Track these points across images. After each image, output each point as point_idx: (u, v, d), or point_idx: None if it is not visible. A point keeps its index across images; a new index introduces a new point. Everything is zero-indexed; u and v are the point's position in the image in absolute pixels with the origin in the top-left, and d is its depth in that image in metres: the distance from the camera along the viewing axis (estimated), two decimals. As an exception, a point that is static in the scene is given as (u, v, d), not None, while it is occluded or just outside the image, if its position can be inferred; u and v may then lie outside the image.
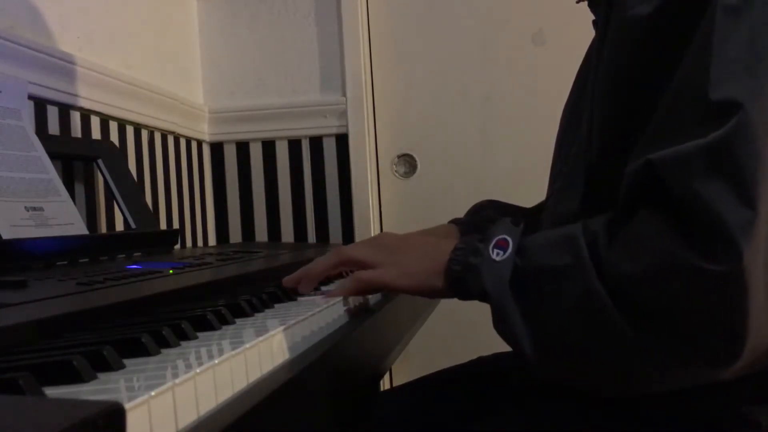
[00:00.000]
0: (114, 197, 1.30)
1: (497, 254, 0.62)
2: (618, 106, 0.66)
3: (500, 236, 0.63)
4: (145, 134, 1.63)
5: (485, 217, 1.00)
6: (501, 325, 0.61)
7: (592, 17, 0.81)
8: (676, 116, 0.58)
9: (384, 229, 1.98)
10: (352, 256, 0.73)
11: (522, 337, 0.60)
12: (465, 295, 0.66)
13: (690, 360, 0.55)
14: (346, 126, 1.95)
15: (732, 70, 0.54)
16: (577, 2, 0.83)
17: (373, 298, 0.84)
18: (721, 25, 0.56)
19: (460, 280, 0.65)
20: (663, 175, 0.55)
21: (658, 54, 0.61)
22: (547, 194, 0.87)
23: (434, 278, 0.67)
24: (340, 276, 0.90)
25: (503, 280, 0.61)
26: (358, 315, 0.74)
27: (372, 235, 1.91)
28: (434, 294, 0.69)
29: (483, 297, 0.63)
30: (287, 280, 0.76)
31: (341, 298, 0.71)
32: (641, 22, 0.63)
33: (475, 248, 0.64)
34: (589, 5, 0.80)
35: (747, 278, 0.51)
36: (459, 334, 1.86)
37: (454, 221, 1.04)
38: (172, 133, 1.78)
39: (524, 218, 0.80)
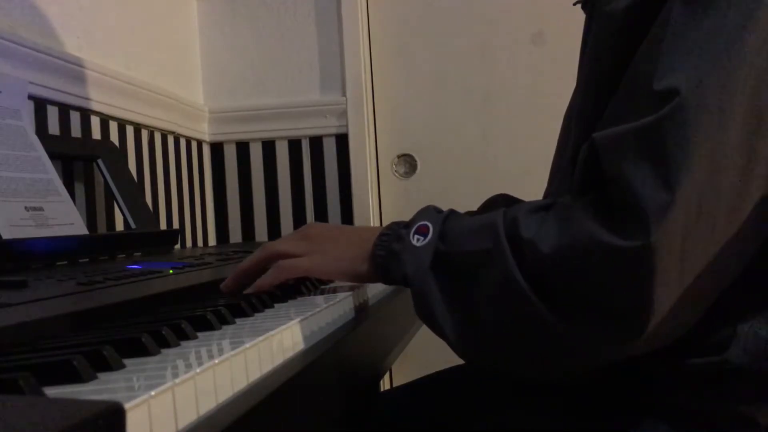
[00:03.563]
0: (114, 197, 1.30)
1: (417, 240, 0.64)
2: (595, 99, 0.67)
3: (421, 222, 0.65)
4: (145, 134, 1.63)
5: None
6: (422, 310, 0.63)
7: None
8: (623, 102, 0.59)
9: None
10: (278, 250, 0.74)
11: (444, 322, 0.61)
12: (389, 280, 0.68)
13: (599, 336, 0.56)
14: (346, 126, 1.95)
15: (679, 63, 0.55)
16: (574, 4, 0.84)
17: (373, 299, 0.84)
18: (677, 19, 0.56)
19: (384, 266, 0.67)
20: (599, 154, 0.57)
21: (632, 48, 0.62)
22: (544, 194, 0.87)
23: (359, 263, 0.69)
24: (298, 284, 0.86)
25: (423, 265, 0.62)
26: (357, 315, 0.74)
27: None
28: (359, 278, 0.71)
29: (404, 281, 0.64)
30: (225, 286, 0.76)
31: (342, 297, 0.71)
32: (617, 17, 0.63)
33: (398, 235, 0.66)
34: (582, 7, 0.80)
35: (654, 257, 0.52)
36: (459, 334, 1.86)
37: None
38: (172, 133, 1.78)
39: None
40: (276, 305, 0.69)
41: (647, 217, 0.52)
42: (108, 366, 0.41)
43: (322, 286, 0.83)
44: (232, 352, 0.45)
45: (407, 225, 0.66)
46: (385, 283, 0.69)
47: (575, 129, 0.70)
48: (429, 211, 0.67)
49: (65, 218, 1.05)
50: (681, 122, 0.53)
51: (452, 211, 0.67)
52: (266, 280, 0.73)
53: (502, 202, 1.04)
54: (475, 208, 1.09)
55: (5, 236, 0.92)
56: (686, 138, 0.53)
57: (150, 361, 0.44)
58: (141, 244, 1.18)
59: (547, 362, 0.61)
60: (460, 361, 1.00)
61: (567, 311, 0.56)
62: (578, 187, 0.60)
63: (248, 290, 0.73)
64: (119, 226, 1.42)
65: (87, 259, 1.04)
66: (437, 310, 0.62)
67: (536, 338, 0.58)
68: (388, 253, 0.66)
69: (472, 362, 0.65)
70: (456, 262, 0.62)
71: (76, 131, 1.36)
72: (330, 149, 1.97)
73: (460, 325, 0.61)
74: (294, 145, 1.99)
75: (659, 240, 0.52)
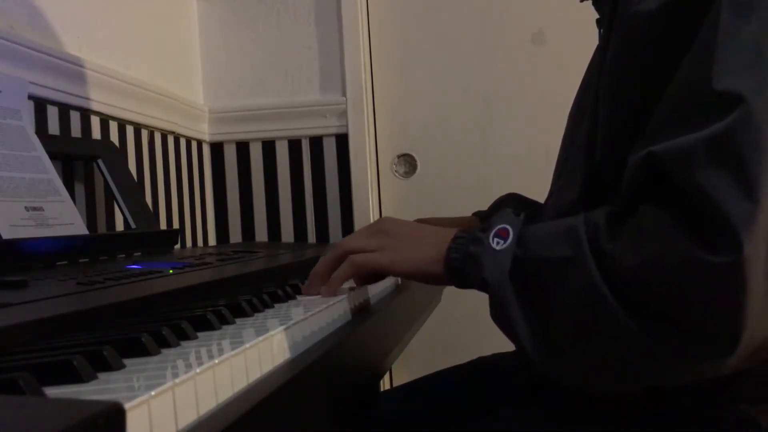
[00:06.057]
0: (114, 197, 1.30)
1: (497, 243, 0.62)
2: (623, 99, 0.66)
3: (501, 225, 0.63)
4: (145, 134, 1.63)
5: None
6: (499, 315, 0.61)
7: (593, 17, 0.81)
8: (679, 108, 0.58)
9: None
10: (351, 248, 0.73)
11: (520, 330, 0.60)
12: (464, 284, 0.66)
13: (688, 352, 0.55)
14: (346, 126, 1.95)
15: (735, 64, 0.54)
16: (581, 1, 0.83)
17: (373, 298, 0.84)
18: (727, 21, 0.56)
19: (460, 269, 0.65)
20: (665, 167, 0.55)
21: (663, 49, 0.61)
22: (550, 190, 0.87)
23: (433, 265, 0.67)
24: None
25: (503, 270, 0.60)
26: (358, 315, 0.74)
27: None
28: (432, 280, 0.69)
29: (482, 286, 0.62)
30: (305, 290, 0.76)
31: (342, 297, 0.71)
32: (647, 18, 0.63)
33: (475, 237, 0.64)
34: (594, 3, 0.80)
35: (747, 270, 0.51)
36: (459, 334, 1.86)
37: (477, 213, 1.05)
38: (172, 133, 1.78)
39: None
40: (276, 305, 0.69)
41: (736, 230, 0.50)
42: (108, 366, 0.41)
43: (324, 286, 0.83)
44: (232, 352, 0.45)
45: (485, 228, 0.64)
46: (457, 286, 0.67)
47: (603, 130, 0.68)
48: (508, 214, 0.65)
49: (65, 218, 1.05)
50: (752, 128, 0.52)
51: (528, 215, 0.65)
52: (339, 276, 0.72)
53: (513, 202, 1.04)
54: (475, 208, 1.10)
55: (5, 236, 0.92)
56: (759, 143, 0.52)
57: (150, 361, 0.44)
58: (141, 244, 1.18)
59: (626, 375, 0.59)
60: (460, 361, 1.00)
61: (652, 325, 0.54)
62: (629, 197, 0.59)
63: (323, 288, 0.73)
64: (119, 226, 1.42)
65: (87, 259, 1.04)
66: (514, 317, 0.60)
67: (617, 350, 0.56)
68: (464, 256, 0.64)
69: (545, 373, 0.62)
70: (534, 268, 0.60)
71: (76, 131, 1.36)
72: (330, 149, 1.97)
73: (536, 333, 0.59)
74: (294, 145, 1.99)
75: (750, 253, 0.50)
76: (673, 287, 0.53)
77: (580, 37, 0.91)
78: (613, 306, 0.55)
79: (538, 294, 0.59)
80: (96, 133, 1.43)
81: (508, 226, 0.62)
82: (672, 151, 0.55)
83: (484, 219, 1.04)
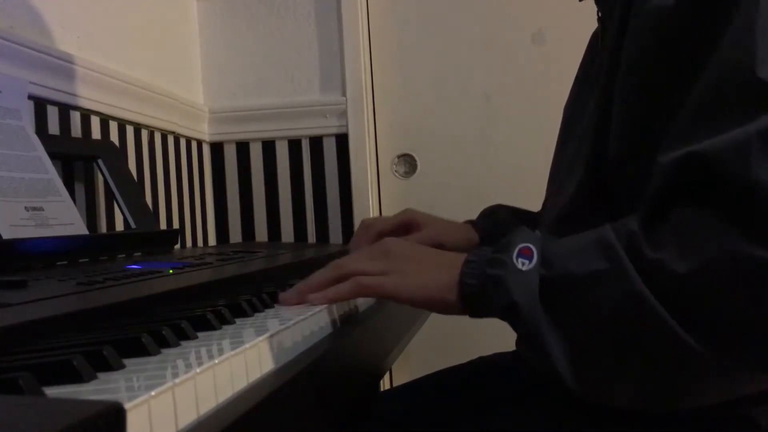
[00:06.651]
0: (114, 197, 1.30)
1: (522, 264, 0.57)
2: (644, 98, 0.64)
3: (523, 244, 0.58)
4: (145, 134, 1.63)
5: (500, 220, 0.99)
6: (531, 342, 0.57)
7: (593, 16, 0.81)
8: (717, 102, 0.54)
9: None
10: (354, 269, 0.67)
11: (556, 354, 0.55)
12: (483, 311, 0.61)
13: (753, 363, 0.51)
14: (346, 126, 1.95)
15: None
16: (580, 0, 0.83)
17: (369, 300, 0.83)
18: (765, 10, 0.53)
19: (479, 294, 0.60)
20: (714, 166, 0.51)
21: (685, 44, 0.59)
22: (547, 192, 0.87)
23: (446, 292, 0.62)
24: None
25: (533, 291, 0.56)
26: (358, 314, 0.74)
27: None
28: (445, 309, 0.63)
29: (509, 311, 0.57)
30: (284, 298, 0.68)
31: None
32: (666, 12, 0.61)
33: (494, 259, 0.59)
34: (596, 1, 0.79)
35: None
36: (459, 334, 1.86)
37: (469, 222, 1.02)
38: (172, 133, 1.78)
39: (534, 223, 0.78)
40: (276, 305, 0.69)
41: None
42: (108, 366, 0.41)
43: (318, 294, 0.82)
44: (232, 352, 0.45)
45: (503, 248, 0.59)
46: (472, 315, 0.62)
47: (619, 132, 0.65)
48: (527, 232, 0.60)
49: (65, 218, 1.05)
50: None
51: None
52: (340, 293, 0.66)
53: (502, 211, 1.03)
54: (474, 208, 1.10)
55: (5, 236, 0.92)
56: None
57: (150, 361, 0.44)
58: (141, 244, 1.18)
59: (680, 394, 0.55)
60: (460, 361, 1.00)
61: (711, 335, 0.50)
62: (663, 200, 0.55)
63: (319, 299, 0.66)
64: (119, 226, 1.42)
65: (87, 259, 1.04)
66: (548, 341, 0.55)
67: (670, 367, 0.52)
68: (483, 280, 0.59)
69: (589, 398, 0.58)
70: (565, 286, 0.55)
71: (76, 131, 1.36)
72: (330, 149, 1.97)
73: (575, 355, 0.55)
74: (294, 145, 1.99)
75: None
76: (731, 291, 0.49)
77: (580, 37, 0.91)
78: (662, 316, 0.51)
79: (573, 313, 0.55)
80: (96, 133, 1.43)
81: (531, 245, 0.58)
82: (722, 148, 0.51)
83: (478, 227, 1.00)
